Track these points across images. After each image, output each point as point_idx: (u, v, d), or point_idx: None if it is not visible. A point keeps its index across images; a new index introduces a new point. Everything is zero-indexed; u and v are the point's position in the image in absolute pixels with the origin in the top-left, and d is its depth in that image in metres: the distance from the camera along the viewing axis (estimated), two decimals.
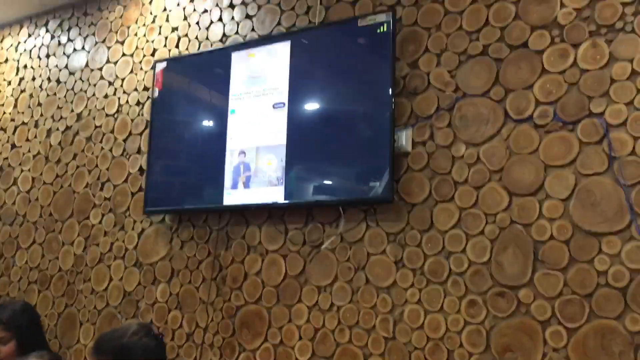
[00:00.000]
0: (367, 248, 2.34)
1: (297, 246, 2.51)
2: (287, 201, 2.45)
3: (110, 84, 3.28)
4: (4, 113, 3.74)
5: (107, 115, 3.24)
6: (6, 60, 3.85)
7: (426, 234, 2.23)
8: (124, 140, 3.15)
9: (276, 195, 2.47)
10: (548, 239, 2.01)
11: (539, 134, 2.08)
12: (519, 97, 2.14)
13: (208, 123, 2.76)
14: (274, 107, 2.55)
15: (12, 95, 3.74)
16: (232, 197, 2.59)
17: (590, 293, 1.91)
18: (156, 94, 2.92)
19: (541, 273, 2.00)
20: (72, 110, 3.40)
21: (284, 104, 2.52)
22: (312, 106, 2.48)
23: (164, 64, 2.93)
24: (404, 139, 2.30)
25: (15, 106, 3.70)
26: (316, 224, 2.48)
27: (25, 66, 3.73)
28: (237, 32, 2.89)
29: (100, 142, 3.23)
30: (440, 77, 2.31)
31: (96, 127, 3.27)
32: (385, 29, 2.32)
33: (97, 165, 3.21)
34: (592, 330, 1.89)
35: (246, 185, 2.55)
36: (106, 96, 3.28)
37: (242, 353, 2.55)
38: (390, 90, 2.26)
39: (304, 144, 2.46)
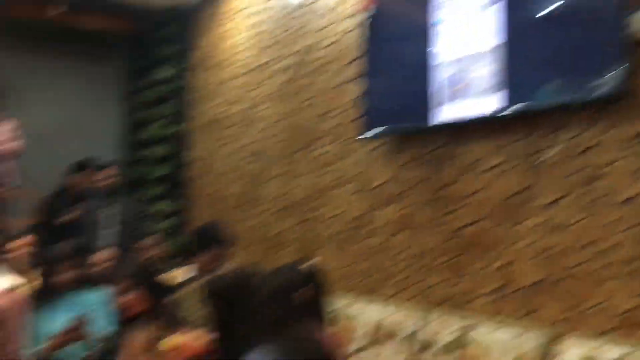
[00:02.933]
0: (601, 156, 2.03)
1: (520, 160, 2.28)
2: (504, 112, 2.23)
3: (323, 15, 3.31)
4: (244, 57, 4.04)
5: (325, 46, 3.29)
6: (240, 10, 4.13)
7: None
8: (344, 68, 3.16)
9: (492, 105, 2.26)
10: None
11: None
12: None
13: (415, 38, 2.61)
14: (483, 7, 2.30)
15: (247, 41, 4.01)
16: (445, 113, 2.44)
17: None
18: (370, 14, 2.84)
19: None
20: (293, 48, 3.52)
21: (495, 0, 2.26)
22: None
23: None
24: None
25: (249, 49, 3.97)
26: (539, 132, 2.22)
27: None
28: None
29: (320, 74, 3.30)
30: None
31: (315, 60, 3.34)
32: None
33: (319, 96, 3.30)
34: None
35: (459, 97, 2.38)
36: (322, 29, 3.32)
37: (466, 275, 2.45)
38: None
39: (521, 44, 2.19)
